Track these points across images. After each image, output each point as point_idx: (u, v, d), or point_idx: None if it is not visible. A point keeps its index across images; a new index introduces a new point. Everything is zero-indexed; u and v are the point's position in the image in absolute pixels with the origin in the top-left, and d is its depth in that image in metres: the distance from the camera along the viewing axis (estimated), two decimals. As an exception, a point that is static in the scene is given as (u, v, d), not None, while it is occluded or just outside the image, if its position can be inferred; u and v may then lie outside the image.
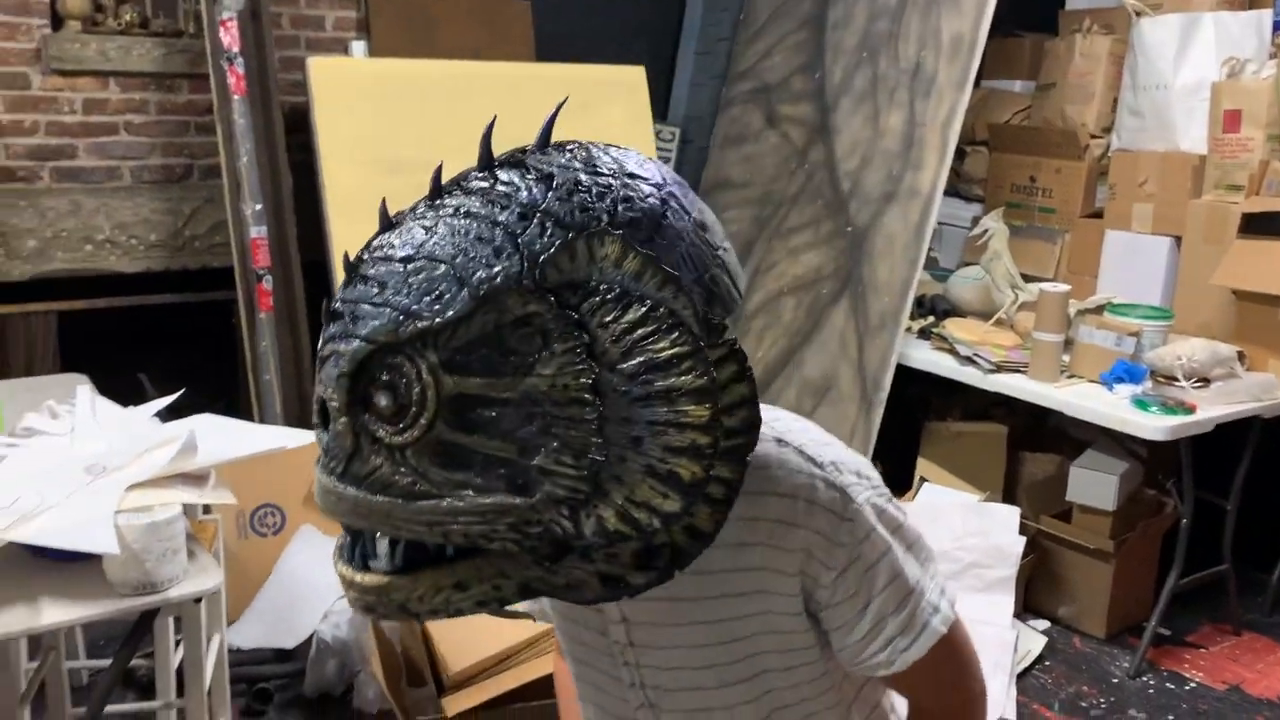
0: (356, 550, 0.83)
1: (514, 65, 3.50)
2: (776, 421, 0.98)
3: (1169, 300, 3.16)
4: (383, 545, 0.83)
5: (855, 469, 0.96)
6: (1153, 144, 3.31)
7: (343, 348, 0.78)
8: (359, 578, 0.82)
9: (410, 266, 0.78)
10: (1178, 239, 3.19)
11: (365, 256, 0.81)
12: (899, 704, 1.14)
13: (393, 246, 0.80)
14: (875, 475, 0.98)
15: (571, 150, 0.85)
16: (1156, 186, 3.25)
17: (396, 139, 3.23)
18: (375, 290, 0.78)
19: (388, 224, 0.83)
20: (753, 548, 0.93)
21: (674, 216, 0.84)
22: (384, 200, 0.84)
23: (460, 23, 3.60)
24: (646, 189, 0.84)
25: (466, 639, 2.22)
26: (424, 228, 0.80)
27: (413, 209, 0.83)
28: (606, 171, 0.83)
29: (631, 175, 0.84)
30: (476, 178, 0.83)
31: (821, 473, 0.93)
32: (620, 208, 0.81)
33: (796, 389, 3.47)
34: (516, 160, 0.84)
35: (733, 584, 0.95)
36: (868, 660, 0.97)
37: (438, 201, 0.82)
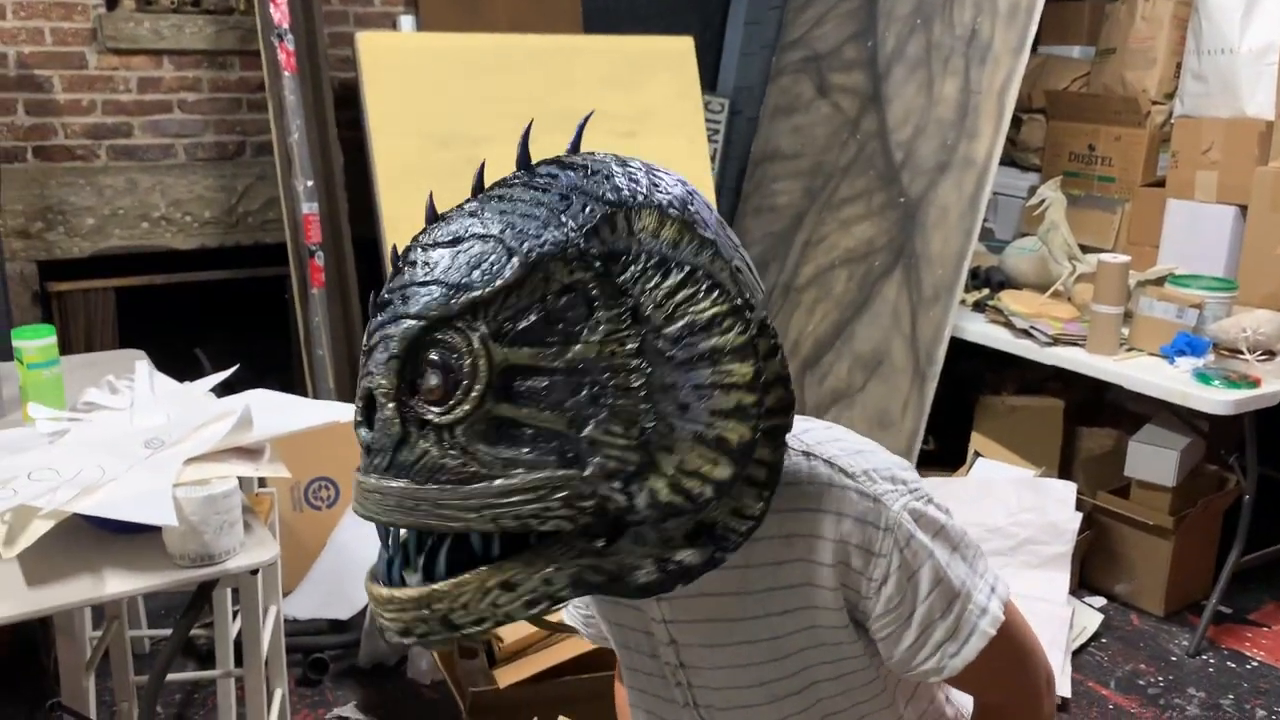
0: (393, 569, 0.82)
1: (561, 37, 3.48)
2: (805, 434, 0.96)
3: (1233, 271, 3.08)
4: (418, 562, 0.82)
5: (890, 474, 0.94)
6: (1217, 110, 3.21)
7: (392, 330, 0.78)
8: (397, 593, 0.79)
9: (459, 246, 0.79)
10: (1243, 208, 3.10)
11: (412, 246, 0.82)
12: (956, 695, 1.12)
13: (440, 232, 0.81)
14: (913, 477, 0.96)
15: (600, 155, 0.87)
16: (1221, 154, 3.16)
17: (446, 113, 3.24)
18: (423, 272, 0.79)
19: (434, 217, 0.84)
20: (791, 565, 0.93)
21: (700, 204, 0.86)
22: (430, 194, 0.85)
23: (508, -4, 3.59)
24: (673, 180, 0.86)
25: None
26: (470, 213, 0.81)
27: (458, 206, 0.84)
28: (635, 166, 0.86)
29: (656, 171, 0.87)
30: (516, 176, 0.84)
31: (854, 484, 0.92)
32: (653, 189, 0.83)
33: (848, 363, 3.43)
34: (552, 160, 0.86)
35: (775, 602, 0.94)
36: (918, 668, 0.96)
37: (480, 195, 0.84)
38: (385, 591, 0.80)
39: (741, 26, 4.07)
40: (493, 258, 0.77)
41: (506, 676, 2.12)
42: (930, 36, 3.36)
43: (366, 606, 2.62)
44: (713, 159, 4.07)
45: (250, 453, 1.74)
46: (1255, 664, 2.75)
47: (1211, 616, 2.83)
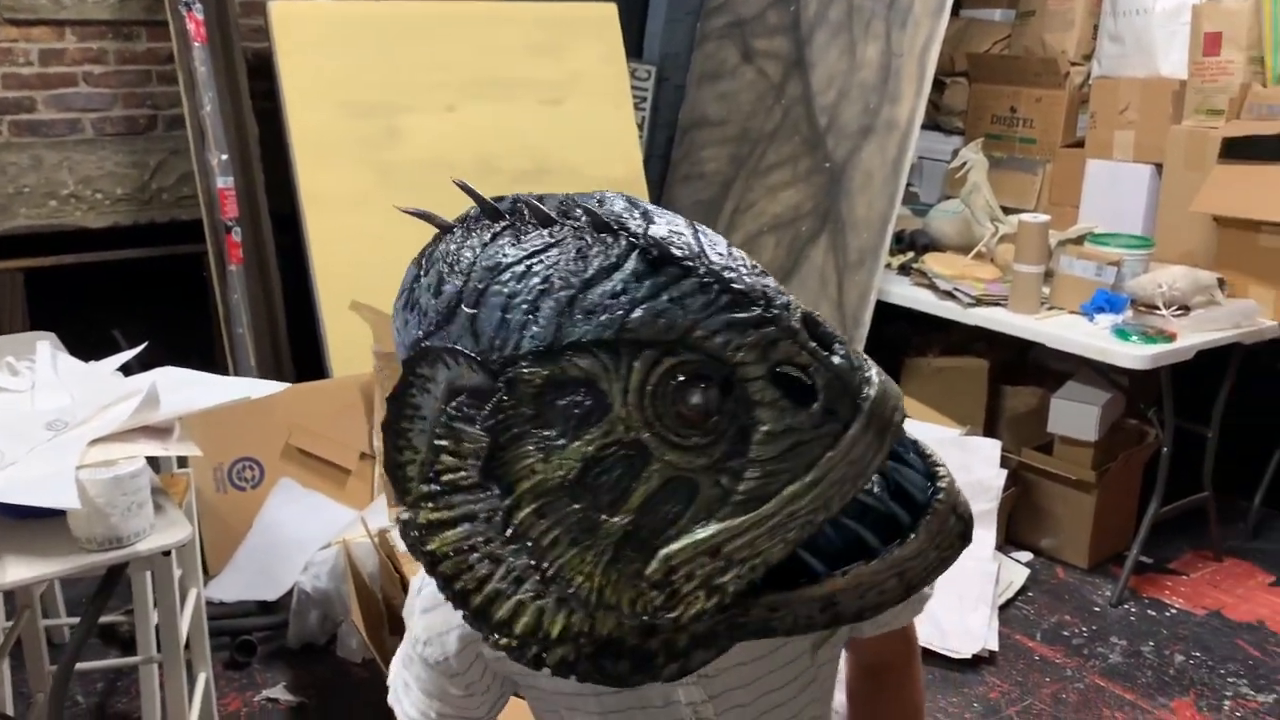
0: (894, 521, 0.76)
1: (483, 4, 3.43)
2: None
3: (1151, 229, 3.13)
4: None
5: None
6: (1133, 70, 3.26)
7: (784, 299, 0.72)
8: (942, 514, 0.74)
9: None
10: (1159, 166, 3.15)
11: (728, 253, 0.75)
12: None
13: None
14: None
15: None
16: (1137, 113, 3.21)
17: (364, 83, 3.17)
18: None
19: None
20: None
21: None
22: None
23: (426, -38, 3.51)
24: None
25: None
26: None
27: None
28: None
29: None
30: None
31: None
32: None
33: (777, 328, 3.44)
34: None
35: None
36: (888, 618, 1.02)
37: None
38: (932, 519, 0.74)
39: (666, -8, 4.03)
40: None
41: (435, 651, 2.09)
42: (852, 0, 3.36)
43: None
44: (641, 127, 4.04)
45: (159, 432, 1.70)
46: (1174, 611, 2.83)
47: (1133, 567, 2.90)
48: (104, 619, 2.51)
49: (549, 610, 0.74)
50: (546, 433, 0.72)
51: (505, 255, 0.76)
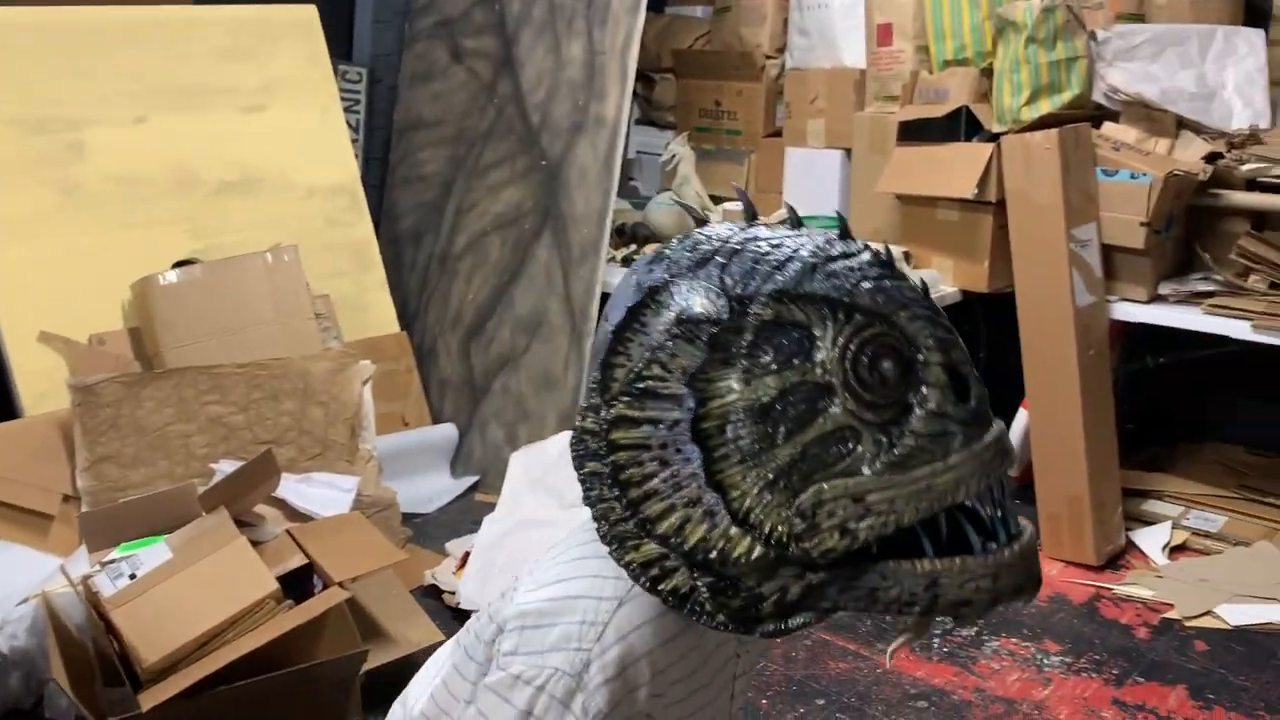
0: (1000, 530, 0.87)
1: (169, 8, 3.23)
2: None
3: (845, 209, 3.36)
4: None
5: None
6: (820, 61, 3.48)
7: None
8: (1030, 540, 0.87)
9: None
10: (848, 151, 3.38)
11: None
12: None
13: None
14: None
15: None
16: (826, 102, 3.43)
17: (38, 96, 2.93)
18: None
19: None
20: None
21: None
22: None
23: (101, -36, 3.28)
24: None
25: (157, 628, 2.08)
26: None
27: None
28: None
29: None
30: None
31: None
32: None
33: (510, 327, 3.46)
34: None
35: None
36: None
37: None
38: (1025, 541, 0.86)
39: (371, -8, 3.95)
40: None
41: (150, 699, 1.97)
42: (553, -1, 3.40)
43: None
44: (356, 129, 3.94)
45: None
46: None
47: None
48: None
49: (694, 519, 0.84)
50: (757, 361, 0.84)
51: (762, 232, 0.90)
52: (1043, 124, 2.80)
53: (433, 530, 3.09)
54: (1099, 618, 2.65)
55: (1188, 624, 2.59)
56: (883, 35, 3.25)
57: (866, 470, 0.82)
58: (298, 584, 2.23)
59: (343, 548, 2.32)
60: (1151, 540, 2.95)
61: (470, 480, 3.40)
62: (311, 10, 3.43)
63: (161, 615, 2.08)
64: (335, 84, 3.50)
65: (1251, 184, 2.74)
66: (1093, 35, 2.85)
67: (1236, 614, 2.59)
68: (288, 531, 2.35)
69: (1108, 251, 2.81)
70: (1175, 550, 2.93)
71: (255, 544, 2.25)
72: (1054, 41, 2.78)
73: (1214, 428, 3.44)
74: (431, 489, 3.32)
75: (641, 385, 0.86)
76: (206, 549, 2.16)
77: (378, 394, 3.06)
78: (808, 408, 0.83)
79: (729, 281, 0.86)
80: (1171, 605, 2.66)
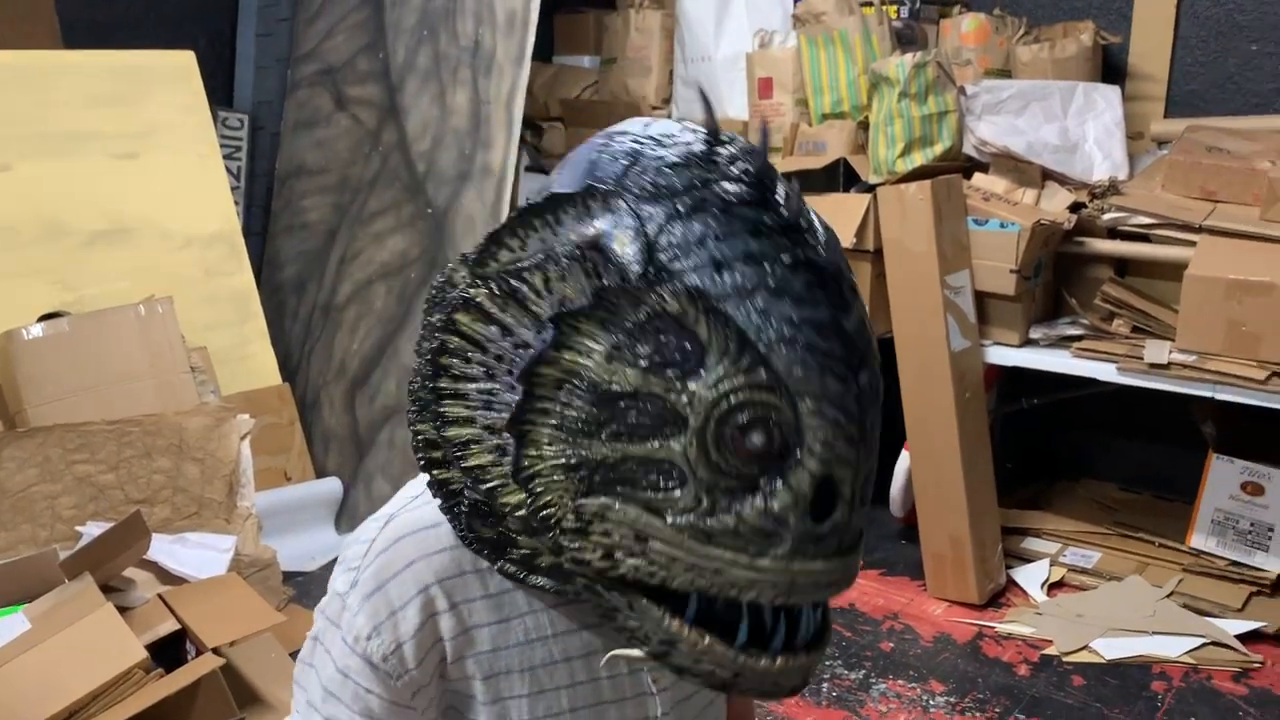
0: (777, 637, 0.77)
1: (34, 53, 3.12)
2: None
3: (731, 257, 3.40)
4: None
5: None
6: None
7: (864, 380, 0.76)
8: (804, 659, 0.76)
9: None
10: (733, 200, 3.43)
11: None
12: None
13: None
14: None
15: None
16: (711, 152, 3.48)
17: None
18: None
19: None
20: None
21: None
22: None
23: (-42, 6, 3.17)
24: None
25: (15, 706, 1.97)
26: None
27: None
28: None
29: None
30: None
31: None
32: None
33: (396, 379, 3.40)
34: None
35: None
36: None
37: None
38: (786, 662, 0.75)
39: (253, 39, 3.89)
40: None
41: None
42: (437, 47, 3.40)
43: None
44: (237, 176, 3.86)
45: None
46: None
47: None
48: None
49: (484, 446, 0.77)
50: (633, 346, 0.72)
51: (749, 210, 0.76)
52: (917, 175, 2.89)
53: (316, 588, 2.99)
54: (981, 656, 2.70)
55: (1066, 659, 2.66)
56: (763, 88, 3.32)
57: (669, 518, 0.72)
58: (170, 651, 2.14)
59: (218, 611, 2.24)
60: (1031, 577, 3.03)
61: (356, 535, 3.32)
62: (189, 56, 3.36)
63: (20, 692, 1.97)
64: (214, 130, 3.42)
65: (1113, 232, 2.87)
66: (962, 90, 2.96)
67: (1111, 648, 2.68)
68: (159, 596, 2.26)
69: (980, 298, 2.90)
70: (1054, 586, 3.02)
71: (123, 610, 2.15)
72: (925, 96, 2.88)
73: (1088, 466, 3.57)
74: (315, 545, 3.23)
75: (514, 284, 0.75)
76: (69, 618, 2.06)
77: (259, 448, 2.97)
78: (651, 424, 0.71)
79: (665, 241, 0.72)
80: (1050, 641, 2.73)
